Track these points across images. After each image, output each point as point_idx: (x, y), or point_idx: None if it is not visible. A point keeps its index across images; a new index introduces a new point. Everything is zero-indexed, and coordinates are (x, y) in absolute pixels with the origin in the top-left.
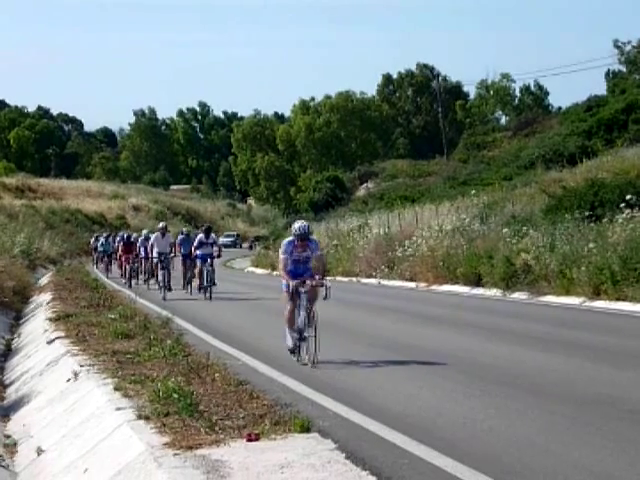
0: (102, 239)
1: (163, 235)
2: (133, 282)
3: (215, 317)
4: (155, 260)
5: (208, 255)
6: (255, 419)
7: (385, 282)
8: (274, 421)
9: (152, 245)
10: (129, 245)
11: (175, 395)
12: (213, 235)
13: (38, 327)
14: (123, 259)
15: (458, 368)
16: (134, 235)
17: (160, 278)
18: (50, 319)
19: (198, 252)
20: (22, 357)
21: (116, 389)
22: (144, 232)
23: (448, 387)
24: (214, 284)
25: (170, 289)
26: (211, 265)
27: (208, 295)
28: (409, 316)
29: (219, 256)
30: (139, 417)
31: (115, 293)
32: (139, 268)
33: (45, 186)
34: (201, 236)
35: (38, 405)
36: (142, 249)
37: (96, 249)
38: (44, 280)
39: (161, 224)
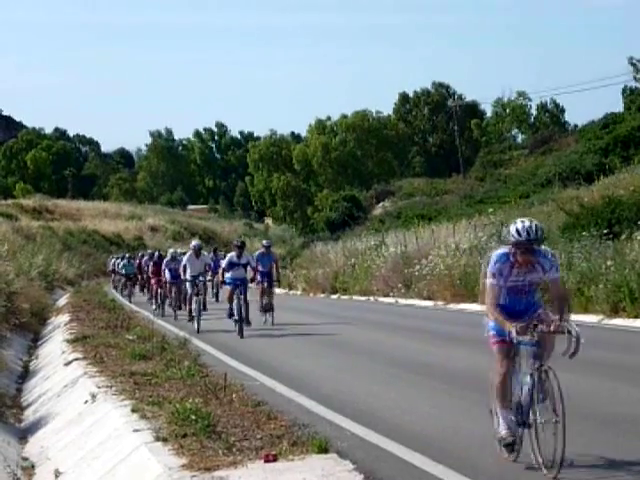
0: (124, 260)
1: (197, 255)
2: (164, 308)
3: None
4: (188, 285)
5: (241, 280)
6: (273, 440)
7: (402, 301)
8: (292, 442)
9: (184, 267)
10: (160, 265)
11: (193, 416)
12: (248, 254)
13: (56, 349)
14: (153, 282)
15: (476, 387)
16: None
17: (194, 306)
18: (68, 340)
19: (228, 275)
20: (40, 379)
21: (133, 411)
22: (170, 251)
23: (465, 406)
24: (248, 322)
25: (196, 317)
26: (243, 293)
27: (240, 332)
28: (426, 335)
29: (253, 279)
30: (157, 439)
31: (133, 314)
32: (164, 293)
33: (62, 207)
34: (232, 255)
35: (56, 427)
36: (167, 271)
37: (114, 271)
38: (62, 301)
39: (194, 242)
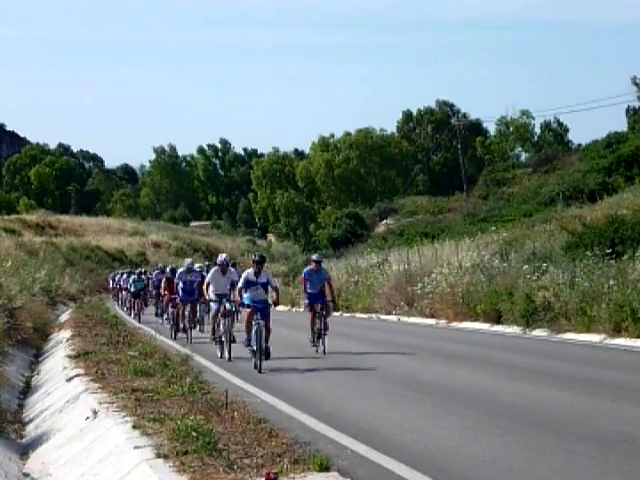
0: (133, 275)
1: (224, 272)
2: (180, 330)
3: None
4: (213, 305)
5: (261, 303)
6: (274, 457)
7: (405, 319)
8: (293, 460)
9: (207, 284)
10: (174, 281)
11: (194, 433)
12: (268, 273)
13: (57, 364)
14: (166, 299)
15: (478, 406)
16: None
17: (222, 330)
18: (69, 356)
19: (245, 296)
20: (41, 394)
21: (135, 427)
22: (187, 261)
23: (468, 425)
24: (268, 354)
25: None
26: (264, 318)
27: (258, 366)
28: (428, 353)
29: (277, 303)
30: (158, 456)
31: (135, 330)
32: (178, 312)
33: (65, 223)
34: (249, 272)
35: (57, 443)
36: (181, 284)
37: (119, 287)
38: (64, 317)
39: (222, 256)
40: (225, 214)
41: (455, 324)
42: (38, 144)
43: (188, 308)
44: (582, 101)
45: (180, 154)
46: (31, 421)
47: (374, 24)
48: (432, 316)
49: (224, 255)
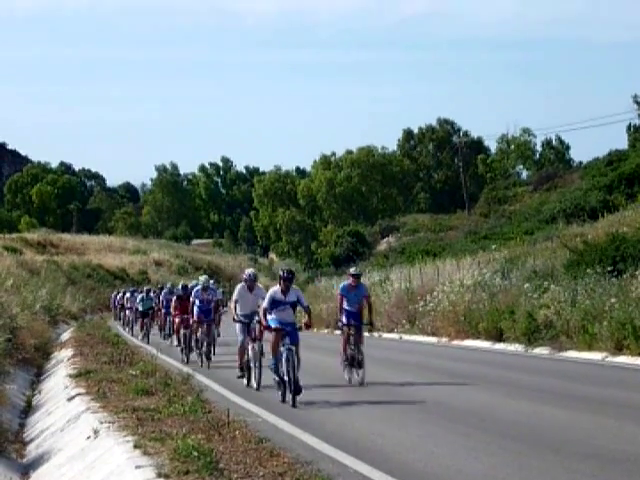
0: (141, 294)
1: (251, 288)
2: (193, 353)
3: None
4: (239, 328)
5: (289, 325)
6: (275, 477)
7: (406, 337)
8: (295, 479)
9: (235, 302)
10: (188, 300)
11: (195, 453)
12: (297, 290)
13: (59, 383)
14: (177, 320)
15: (479, 424)
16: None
17: (251, 354)
18: (71, 375)
19: (271, 318)
20: (42, 414)
21: (136, 447)
22: (202, 279)
23: (469, 444)
24: (298, 389)
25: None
26: (294, 343)
27: (291, 399)
28: (430, 372)
29: (309, 326)
30: (159, 475)
31: (136, 349)
32: (192, 335)
33: (67, 241)
34: (275, 290)
35: (58, 462)
36: (196, 303)
37: (123, 306)
38: (65, 336)
39: (248, 271)
40: (227, 232)
41: (457, 342)
42: (40, 163)
43: (204, 329)
44: (583, 119)
45: (182, 172)
46: (32, 440)
47: (376, 43)
48: (434, 334)
49: (250, 269)
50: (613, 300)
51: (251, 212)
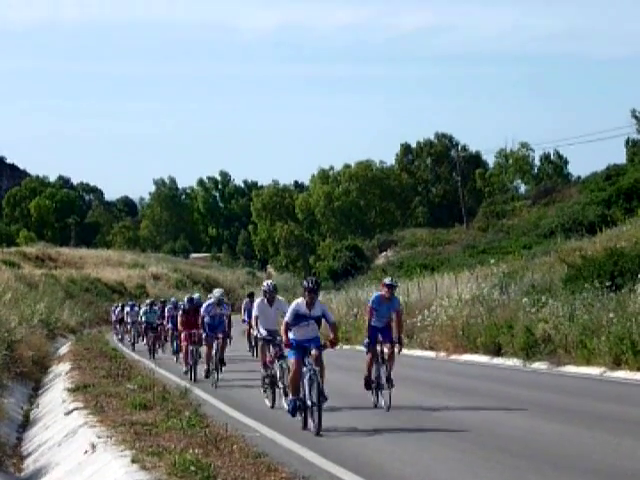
0: (145, 307)
1: (271, 301)
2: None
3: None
4: (260, 345)
5: (312, 342)
6: None
7: (404, 351)
8: None
9: (256, 318)
10: (195, 314)
11: (193, 467)
12: (323, 305)
13: (57, 397)
14: (183, 336)
15: (477, 439)
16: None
17: (279, 373)
18: (69, 389)
19: (292, 334)
20: (40, 428)
21: (134, 461)
22: (216, 293)
23: (466, 459)
24: (320, 419)
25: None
26: (318, 363)
27: (315, 426)
28: (428, 386)
29: (335, 343)
30: None
31: (134, 363)
32: (197, 350)
33: (65, 255)
34: (299, 304)
35: (56, 477)
36: (206, 319)
37: (122, 320)
38: (63, 350)
39: (267, 282)
40: (225, 246)
41: (455, 357)
42: (38, 177)
43: (216, 346)
44: (582, 133)
45: (180, 186)
46: (30, 455)
47: (375, 57)
48: (432, 348)
49: (269, 281)
50: (611, 315)
51: (249, 226)
